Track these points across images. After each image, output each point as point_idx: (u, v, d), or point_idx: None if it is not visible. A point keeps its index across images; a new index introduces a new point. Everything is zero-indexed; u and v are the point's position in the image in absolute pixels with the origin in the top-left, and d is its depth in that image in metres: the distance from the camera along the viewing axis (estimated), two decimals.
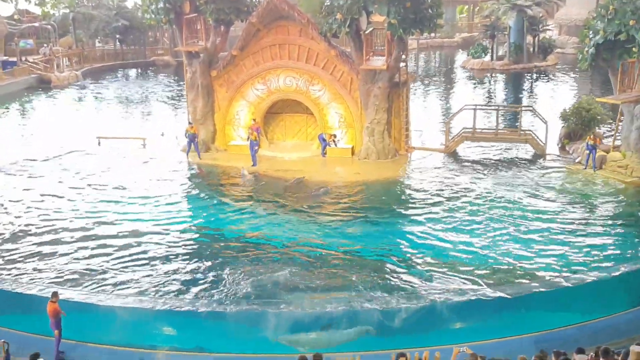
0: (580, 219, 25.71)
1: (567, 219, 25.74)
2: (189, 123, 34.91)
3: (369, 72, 32.69)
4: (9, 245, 24.26)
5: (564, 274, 20.82)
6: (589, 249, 23.02)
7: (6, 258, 23.27)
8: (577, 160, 32.39)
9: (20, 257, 23.32)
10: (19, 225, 26.14)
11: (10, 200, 28.95)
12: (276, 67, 34.08)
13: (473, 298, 18.89)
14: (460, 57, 71.19)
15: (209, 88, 35.30)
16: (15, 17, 76.15)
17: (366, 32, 32.34)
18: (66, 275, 21.97)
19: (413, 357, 13.91)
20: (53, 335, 17.42)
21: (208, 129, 35.59)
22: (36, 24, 72.98)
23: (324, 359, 13.35)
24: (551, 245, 23.40)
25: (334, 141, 33.78)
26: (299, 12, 33.09)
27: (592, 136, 31.31)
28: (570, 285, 19.42)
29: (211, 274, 22.00)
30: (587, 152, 31.05)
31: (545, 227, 24.94)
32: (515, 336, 17.90)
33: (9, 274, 21.92)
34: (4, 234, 25.35)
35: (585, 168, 31.03)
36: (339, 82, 33.59)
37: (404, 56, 33.39)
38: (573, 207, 26.98)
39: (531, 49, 63.70)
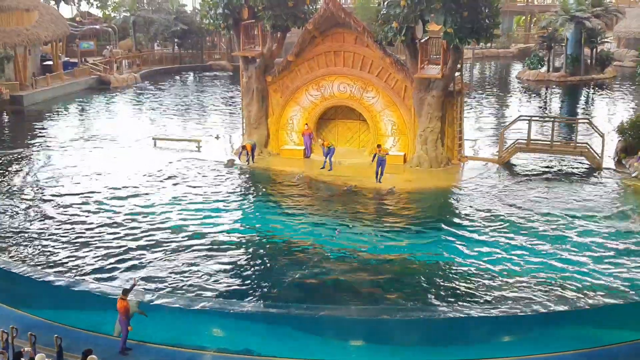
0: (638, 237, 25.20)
1: (624, 236, 25.14)
2: (242, 147, 34.75)
3: (424, 81, 32.64)
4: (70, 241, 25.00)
5: (619, 292, 20.50)
6: None
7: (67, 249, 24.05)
8: (633, 175, 31.78)
9: (72, 249, 24.00)
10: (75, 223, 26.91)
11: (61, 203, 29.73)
12: (330, 73, 34.31)
13: (524, 312, 18.71)
14: (516, 67, 70.48)
15: (264, 93, 35.71)
16: (77, 19, 78.29)
17: (422, 40, 32.32)
18: (112, 271, 22.51)
19: None
20: (112, 333, 17.60)
21: (261, 133, 35.96)
22: (97, 26, 74.92)
23: None
24: (606, 263, 22.92)
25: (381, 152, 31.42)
26: (355, 20, 33.26)
27: None
28: (623, 302, 19.09)
29: (257, 276, 22.25)
30: None
31: (600, 243, 24.51)
32: (567, 352, 17.64)
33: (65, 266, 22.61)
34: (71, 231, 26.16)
35: None
36: (393, 90, 33.62)
37: (459, 65, 33.26)
38: (630, 224, 26.40)
39: (589, 61, 62.71)
